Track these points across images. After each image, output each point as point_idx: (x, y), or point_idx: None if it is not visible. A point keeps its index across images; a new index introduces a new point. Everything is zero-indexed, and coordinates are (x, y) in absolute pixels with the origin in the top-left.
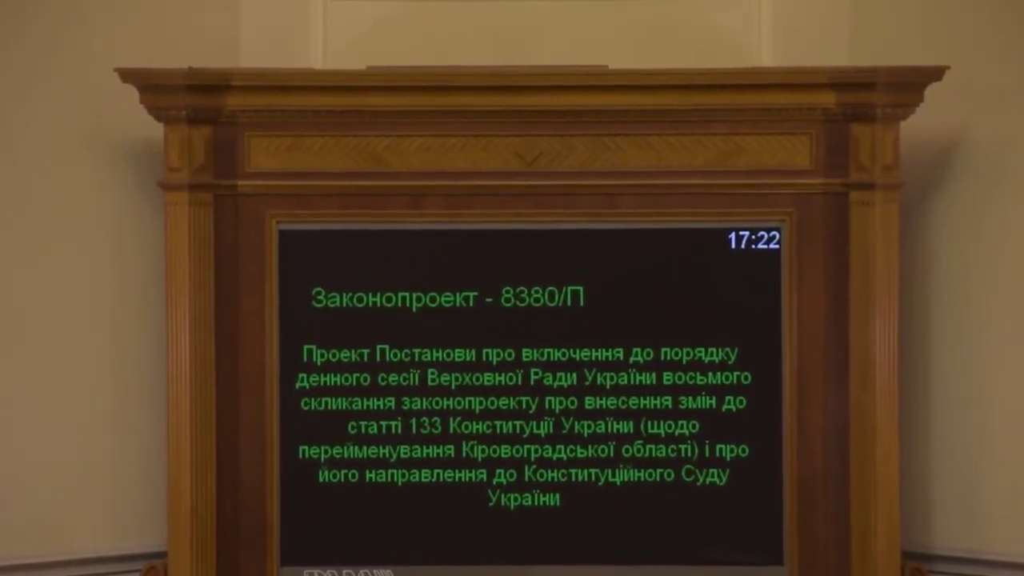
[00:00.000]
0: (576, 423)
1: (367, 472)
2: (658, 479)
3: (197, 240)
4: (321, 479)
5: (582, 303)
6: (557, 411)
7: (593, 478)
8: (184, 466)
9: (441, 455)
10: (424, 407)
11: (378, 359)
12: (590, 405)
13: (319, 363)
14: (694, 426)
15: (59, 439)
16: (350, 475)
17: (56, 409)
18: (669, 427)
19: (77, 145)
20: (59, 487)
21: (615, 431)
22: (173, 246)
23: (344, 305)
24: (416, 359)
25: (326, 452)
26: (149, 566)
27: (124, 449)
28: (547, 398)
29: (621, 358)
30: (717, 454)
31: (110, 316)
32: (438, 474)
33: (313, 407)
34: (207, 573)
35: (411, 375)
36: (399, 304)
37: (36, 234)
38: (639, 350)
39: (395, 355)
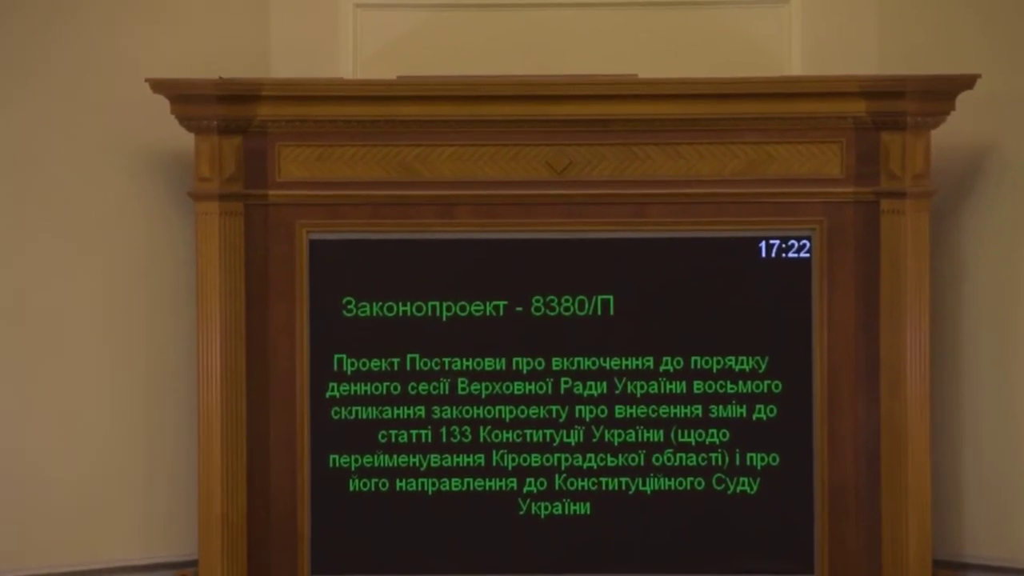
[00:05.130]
0: (606, 432)
1: (397, 481)
2: (689, 488)
3: (228, 249)
4: (352, 488)
5: (612, 312)
6: (587, 420)
7: (623, 487)
8: (215, 475)
9: (471, 464)
10: (454, 416)
11: (408, 368)
12: (620, 414)
13: (349, 372)
14: (725, 435)
15: (90, 448)
16: (380, 484)
17: (87, 418)
18: (700, 436)
19: (108, 155)
20: (90, 495)
21: (645, 440)
22: (204, 255)
23: (374, 314)
24: (446, 368)
25: (356, 461)
26: (180, 574)
27: (155, 458)
28: (577, 407)
29: (651, 367)
30: (748, 463)
31: (142, 325)
32: (468, 483)
33: (344, 416)
34: None
35: (441, 384)
36: (429, 313)
37: (68, 244)
38: (669, 359)
39: (425, 364)
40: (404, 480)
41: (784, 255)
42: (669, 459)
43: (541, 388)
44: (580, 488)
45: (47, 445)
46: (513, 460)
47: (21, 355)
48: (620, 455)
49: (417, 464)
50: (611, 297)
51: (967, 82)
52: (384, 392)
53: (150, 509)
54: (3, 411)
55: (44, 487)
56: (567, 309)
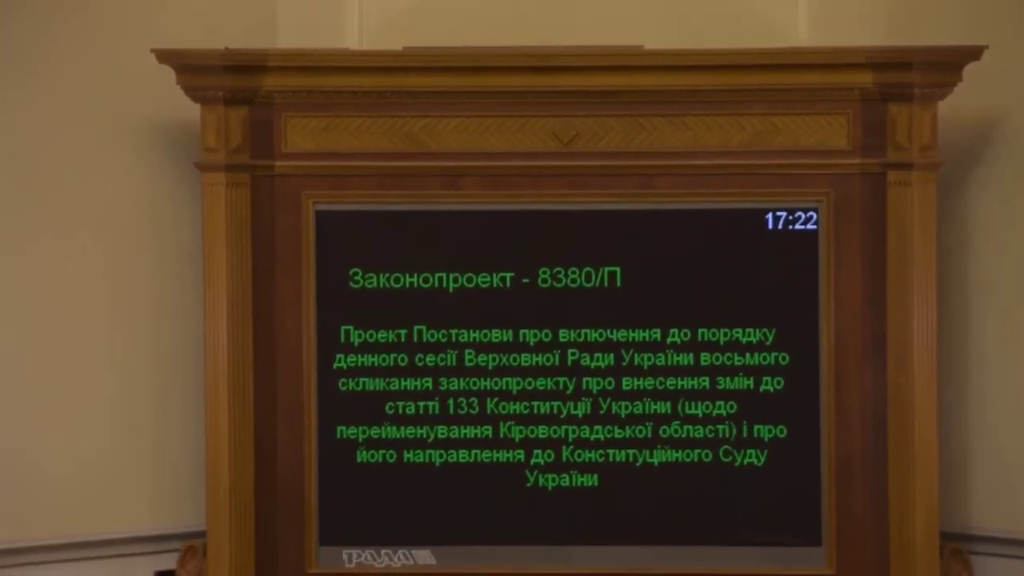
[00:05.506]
0: (614, 404)
1: (405, 452)
2: (696, 460)
3: (234, 221)
4: (359, 459)
5: (619, 283)
6: (595, 392)
7: (631, 459)
8: (222, 447)
9: (479, 435)
10: (462, 387)
11: (415, 340)
12: (627, 386)
13: (356, 344)
14: (732, 407)
15: (99, 420)
16: (388, 455)
17: (96, 390)
18: (707, 408)
19: (114, 126)
20: (99, 468)
21: (653, 412)
22: (210, 227)
23: (381, 286)
24: (453, 340)
25: (364, 432)
26: (188, 545)
27: (164, 429)
28: (584, 379)
29: (658, 339)
30: (755, 435)
31: (149, 297)
32: (476, 454)
33: (351, 388)
34: (246, 552)
35: (448, 356)
36: (436, 285)
37: (74, 216)
38: (676, 331)
39: (432, 336)
40: (412, 451)
41: (791, 227)
42: (676, 431)
43: (548, 360)
44: (587, 460)
45: (57, 418)
46: (520, 432)
47: (28, 327)
48: (627, 427)
49: (424, 435)
50: (618, 269)
51: (974, 53)
52: (391, 363)
53: (159, 481)
54: (12, 386)
55: (54, 459)
56: (574, 281)
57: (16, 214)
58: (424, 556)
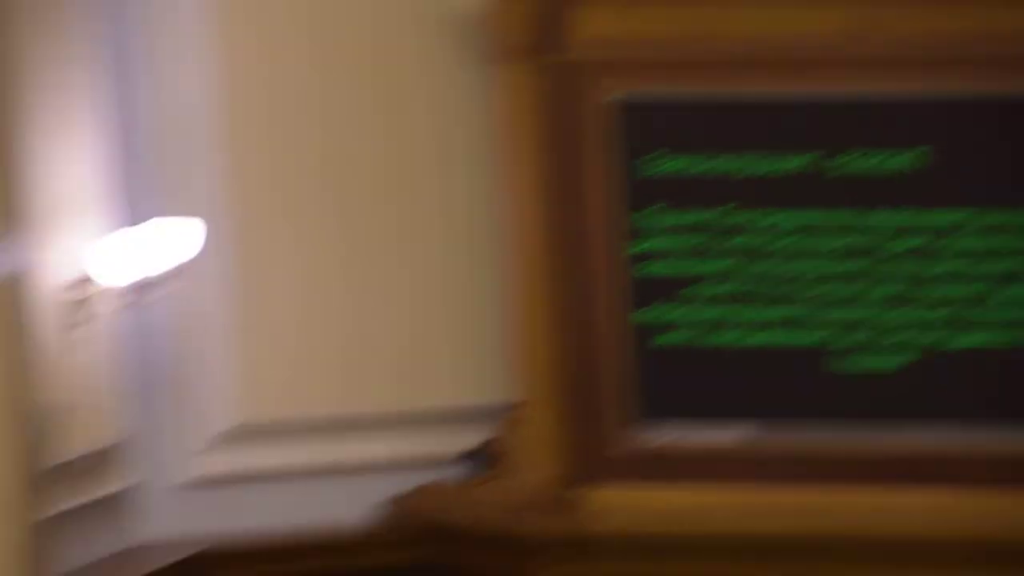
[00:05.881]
0: (920, 287)
1: (707, 335)
2: (1009, 343)
3: (529, 110)
4: (660, 341)
5: (925, 166)
6: (900, 275)
7: (940, 342)
8: (530, 330)
9: (781, 318)
10: (762, 271)
11: (715, 224)
12: (934, 269)
13: (655, 228)
14: None
15: (420, 299)
16: (689, 337)
17: (414, 271)
18: (1019, 290)
19: (404, 20)
20: (423, 343)
21: (961, 295)
22: (507, 117)
23: (679, 171)
24: (753, 223)
25: (662, 315)
26: (508, 417)
27: (482, 305)
28: (889, 262)
29: (967, 221)
30: None
31: (459, 178)
32: (778, 336)
33: (648, 272)
34: (563, 427)
35: (749, 238)
36: (734, 169)
37: (366, 112)
38: (986, 213)
39: (731, 219)
40: (711, 334)
41: None
42: (986, 314)
43: (852, 243)
44: (894, 343)
45: (378, 297)
46: (824, 314)
47: (335, 221)
48: (935, 309)
49: (726, 318)
50: (924, 151)
51: None
52: (691, 247)
53: (481, 355)
54: (330, 273)
55: (377, 335)
56: (877, 164)
57: (313, 100)
58: (730, 434)
